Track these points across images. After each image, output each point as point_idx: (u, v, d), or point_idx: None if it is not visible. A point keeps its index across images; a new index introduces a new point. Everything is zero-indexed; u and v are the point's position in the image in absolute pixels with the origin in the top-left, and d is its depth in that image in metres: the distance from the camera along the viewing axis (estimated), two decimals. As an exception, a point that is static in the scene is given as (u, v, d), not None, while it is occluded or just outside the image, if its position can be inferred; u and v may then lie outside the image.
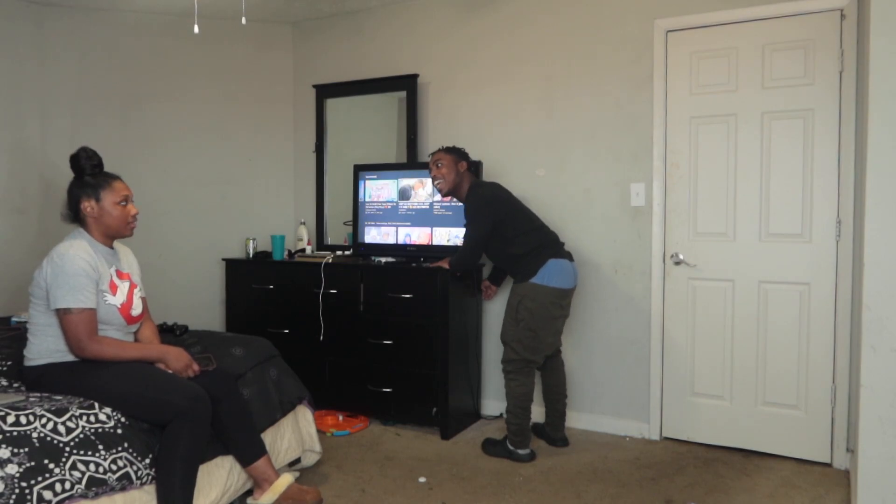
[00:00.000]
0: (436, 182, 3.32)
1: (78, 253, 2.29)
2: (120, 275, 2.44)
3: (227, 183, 4.45)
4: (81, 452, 2.02)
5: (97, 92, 4.20)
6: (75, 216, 2.41)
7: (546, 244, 3.16)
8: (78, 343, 2.26)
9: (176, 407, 2.22)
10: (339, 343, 3.75)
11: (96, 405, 2.17)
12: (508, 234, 3.16)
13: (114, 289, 2.38)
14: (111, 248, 2.47)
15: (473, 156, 3.78)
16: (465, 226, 3.28)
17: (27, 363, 2.36)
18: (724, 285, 3.30)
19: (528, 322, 3.11)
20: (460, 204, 3.61)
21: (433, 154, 3.37)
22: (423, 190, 3.77)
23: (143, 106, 4.28)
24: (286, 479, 2.55)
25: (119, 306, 2.38)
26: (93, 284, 2.30)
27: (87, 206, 2.37)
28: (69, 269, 2.26)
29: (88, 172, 2.40)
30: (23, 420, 1.97)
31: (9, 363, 2.52)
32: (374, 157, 4.15)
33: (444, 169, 3.27)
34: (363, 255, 3.96)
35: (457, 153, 3.32)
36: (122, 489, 2.08)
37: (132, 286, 2.48)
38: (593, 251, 3.55)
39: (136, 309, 2.48)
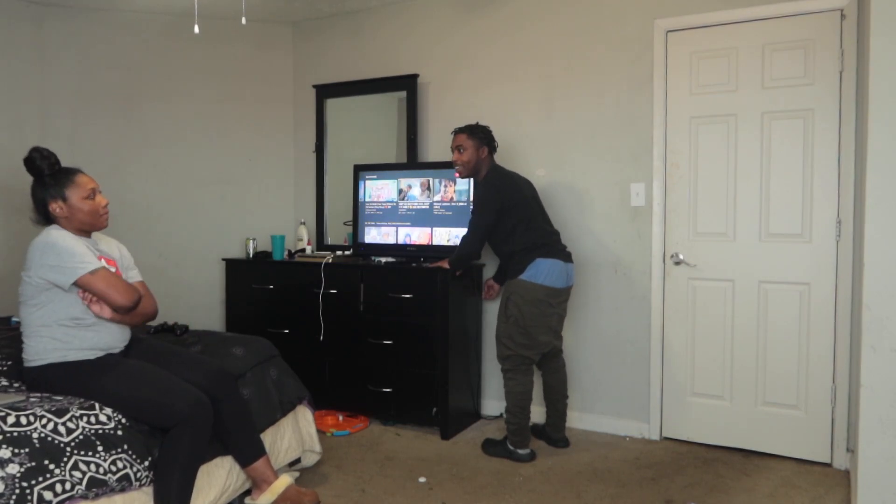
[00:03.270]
0: (456, 167, 3.32)
1: (61, 235, 2.28)
2: (107, 261, 2.42)
3: (227, 183, 4.45)
4: (82, 453, 2.02)
5: (97, 92, 4.20)
6: (46, 218, 2.38)
7: (538, 244, 3.14)
8: (116, 296, 2.26)
9: (177, 413, 2.21)
10: (339, 343, 3.75)
11: (97, 406, 2.17)
12: (506, 228, 3.17)
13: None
14: (89, 238, 2.45)
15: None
16: (471, 212, 3.28)
17: (26, 364, 2.34)
18: (724, 285, 3.30)
19: (517, 318, 3.12)
20: (461, 204, 3.63)
21: (456, 134, 3.31)
22: (422, 190, 3.77)
23: (142, 106, 4.29)
24: (285, 481, 2.55)
25: None
26: (91, 253, 2.30)
27: (56, 207, 2.33)
28: (63, 243, 2.24)
29: (47, 172, 2.35)
30: (23, 420, 1.97)
31: (9, 363, 2.52)
32: (374, 157, 4.15)
33: (465, 155, 3.26)
34: (363, 255, 3.96)
35: (479, 138, 3.27)
36: (122, 490, 2.08)
37: (118, 272, 2.45)
38: (593, 251, 3.55)
39: None
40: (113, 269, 2.43)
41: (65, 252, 2.23)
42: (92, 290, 2.27)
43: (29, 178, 2.40)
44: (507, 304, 3.17)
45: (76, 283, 2.24)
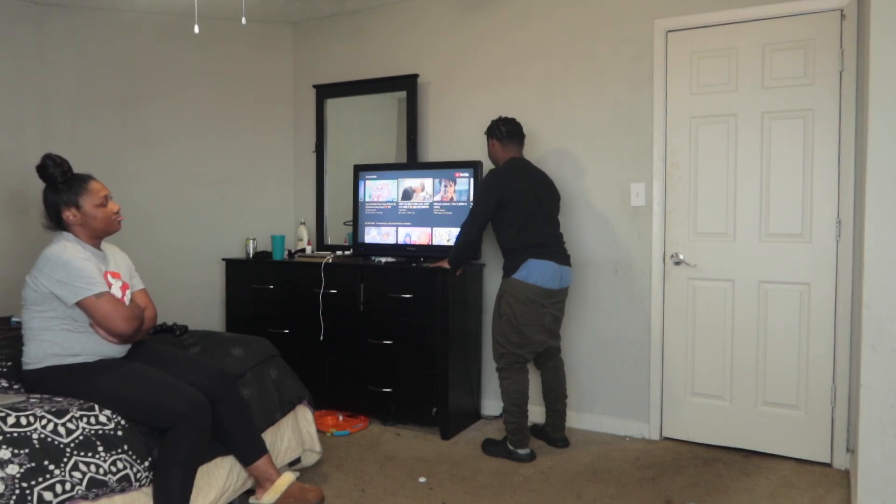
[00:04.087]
0: None
1: (75, 252, 2.29)
2: (113, 275, 2.42)
3: (227, 183, 4.45)
4: (82, 454, 2.02)
5: (97, 92, 4.21)
6: (58, 224, 2.38)
7: (532, 244, 3.14)
8: (118, 323, 2.27)
9: (176, 414, 2.21)
10: (339, 343, 3.75)
11: (97, 406, 2.17)
12: (504, 223, 3.19)
13: (108, 286, 2.35)
14: (99, 248, 2.45)
15: (473, 156, 3.79)
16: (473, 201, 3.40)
17: (25, 367, 2.34)
18: (724, 285, 3.30)
19: (510, 317, 3.14)
20: (461, 204, 3.63)
21: None
22: (422, 190, 3.77)
23: (143, 106, 4.29)
24: (288, 478, 2.55)
25: None
26: (101, 275, 2.31)
27: (69, 214, 2.34)
28: (76, 263, 2.25)
29: (60, 180, 2.34)
30: (23, 421, 1.97)
31: (9, 364, 2.52)
32: (374, 157, 4.15)
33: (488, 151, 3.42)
34: (363, 255, 3.96)
35: (487, 132, 3.39)
36: (122, 491, 2.08)
37: (124, 286, 2.46)
38: (593, 251, 3.55)
39: None
40: (120, 283, 2.43)
41: (75, 271, 2.24)
42: (93, 313, 2.27)
43: (33, 179, 2.39)
44: (501, 302, 3.19)
45: (79, 304, 2.25)
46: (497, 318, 3.21)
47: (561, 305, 3.27)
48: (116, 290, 2.39)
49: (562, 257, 3.21)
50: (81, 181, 2.38)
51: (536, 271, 3.10)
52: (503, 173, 3.23)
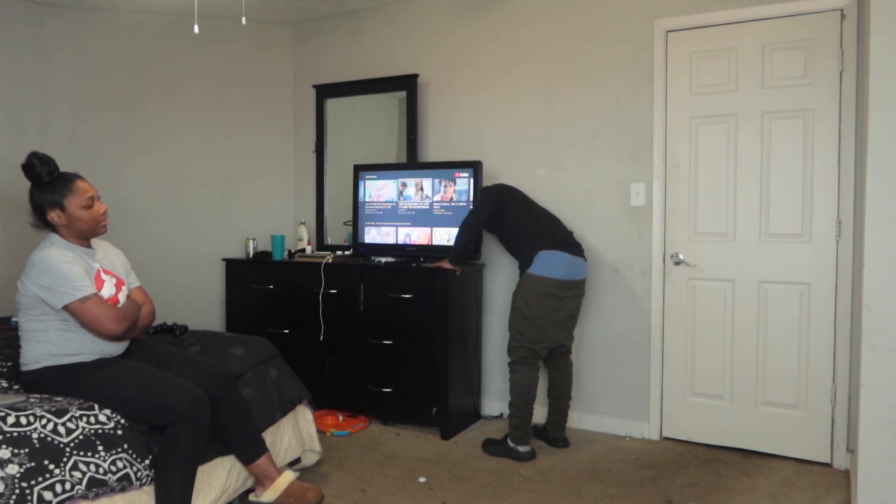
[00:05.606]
0: None
1: (59, 256, 2.26)
2: (105, 272, 2.40)
3: (227, 183, 4.45)
4: (82, 453, 2.02)
5: (97, 92, 4.20)
6: (45, 223, 2.35)
7: (539, 236, 3.19)
8: (107, 325, 2.25)
9: (175, 409, 2.21)
10: (339, 343, 3.75)
11: (96, 406, 2.17)
12: (509, 222, 3.27)
13: (100, 283, 2.34)
14: (89, 247, 2.43)
15: (473, 156, 3.80)
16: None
17: (23, 368, 2.33)
18: (724, 285, 3.30)
19: (524, 310, 3.16)
20: (461, 204, 3.64)
21: None
22: (423, 190, 3.77)
23: (142, 106, 4.29)
24: (288, 477, 2.55)
25: (107, 299, 2.34)
26: (87, 276, 2.28)
27: (54, 215, 2.31)
28: (59, 266, 2.22)
29: (46, 179, 2.31)
30: (23, 421, 1.97)
31: (9, 364, 2.52)
32: (374, 157, 4.15)
33: None
34: (363, 255, 3.96)
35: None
36: (122, 490, 2.08)
37: (119, 282, 2.44)
38: (593, 251, 3.55)
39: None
40: (114, 281, 2.41)
41: (58, 275, 2.22)
42: (80, 317, 2.24)
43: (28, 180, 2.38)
44: (516, 296, 3.22)
45: (65, 308, 2.24)
46: (512, 313, 3.24)
47: (578, 301, 3.28)
48: (110, 288, 2.37)
49: (574, 248, 3.23)
50: (67, 181, 2.34)
51: (548, 263, 3.12)
52: (494, 185, 3.41)
